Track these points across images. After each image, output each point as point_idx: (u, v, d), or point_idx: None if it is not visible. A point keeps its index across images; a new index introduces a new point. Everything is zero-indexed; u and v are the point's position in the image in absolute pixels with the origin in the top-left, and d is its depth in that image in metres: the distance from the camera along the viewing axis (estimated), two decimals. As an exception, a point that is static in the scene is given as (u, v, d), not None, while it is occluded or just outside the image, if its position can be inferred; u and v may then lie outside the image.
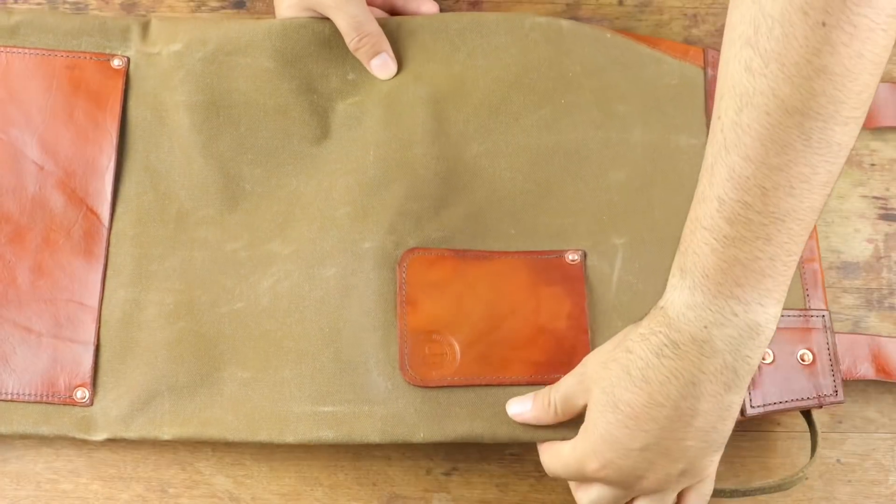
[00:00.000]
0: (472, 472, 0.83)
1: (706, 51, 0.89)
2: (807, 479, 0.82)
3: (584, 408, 0.73)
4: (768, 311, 0.67)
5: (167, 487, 0.82)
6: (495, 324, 0.81)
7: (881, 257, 0.88)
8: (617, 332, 0.77)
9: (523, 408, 0.78)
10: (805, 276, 0.84)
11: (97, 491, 0.81)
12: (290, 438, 0.78)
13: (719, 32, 0.93)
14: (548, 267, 0.83)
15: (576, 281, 0.82)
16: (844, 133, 0.63)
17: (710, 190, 0.65)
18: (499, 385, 0.80)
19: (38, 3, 0.91)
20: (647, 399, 0.69)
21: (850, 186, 0.90)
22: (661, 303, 0.70)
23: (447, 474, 0.83)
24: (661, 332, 0.69)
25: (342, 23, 0.86)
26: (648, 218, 0.84)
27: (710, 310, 0.66)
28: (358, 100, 0.87)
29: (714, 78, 0.88)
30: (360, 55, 0.87)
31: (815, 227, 0.84)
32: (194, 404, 0.79)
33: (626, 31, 0.90)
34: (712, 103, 0.86)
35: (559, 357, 0.80)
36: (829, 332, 0.82)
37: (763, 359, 0.79)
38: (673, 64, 0.88)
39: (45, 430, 0.79)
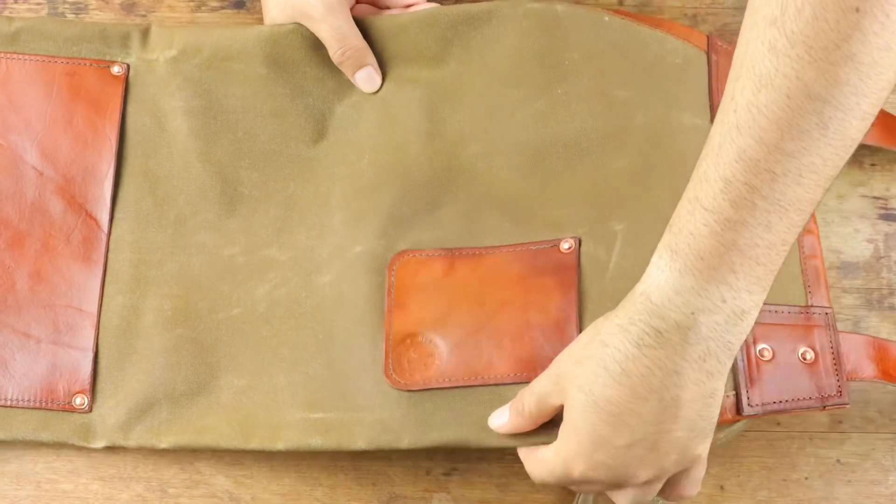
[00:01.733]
0: (472, 472, 0.83)
1: (710, 37, 0.86)
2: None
3: (560, 408, 0.71)
4: (754, 298, 0.66)
5: (167, 487, 0.82)
6: (482, 322, 0.79)
7: (881, 257, 0.88)
8: None
9: (501, 419, 0.75)
10: (807, 273, 0.81)
11: (97, 491, 0.82)
12: (280, 446, 0.78)
13: (720, 32, 0.93)
14: (540, 257, 0.80)
15: (568, 269, 0.79)
16: (859, 129, 0.62)
17: (714, 171, 0.64)
18: (483, 385, 0.77)
19: (39, 3, 0.92)
20: (629, 394, 0.67)
21: (850, 186, 0.89)
22: (641, 287, 0.67)
23: (447, 474, 0.83)
24: (641, 320, 0.66)
25: (326, 35, 0.85)
26: (649, 200, 0.81)
27: (700, 295, 0.65)
28: (355, 101, 0.87)
29: (718, 64, 0.85)
30: (344, 68, 0.86)
31: (817, 225, 0.83)
32: (191, 413, 0.80)
33: (625, 12, 0.88)
34: (716, 87, 0.84)
35: (546, 352, 0.77)
36: (832, 330, 0.79)
37: (762, 355, 0.77)
38: (676, 44, 0.85)
39: (44, 436, 0.80)
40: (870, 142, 0.87)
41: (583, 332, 0.71)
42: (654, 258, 0.67)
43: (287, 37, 0.86)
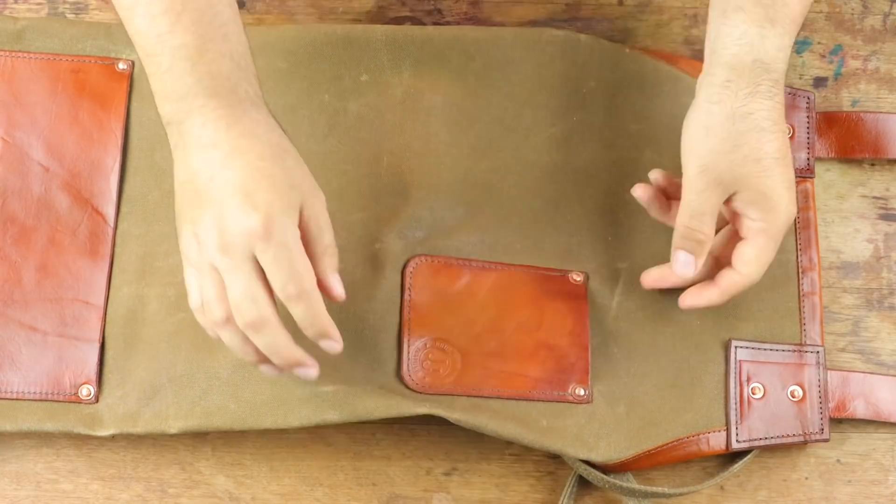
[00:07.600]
0: (472, 472, 0.83)
1: None
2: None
3: (730, 203, 0.78)
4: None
5: (167, 487, 0.82)
6: (497, 336, 0.81)
7: (881, 257, 0.88)
8: (613, 357, 0.81)
9: (689, 264, 0.78)
10: (804, 310, 0.84)
11: (97, 491, 0.82)
12: (295, 422, 0.77)
13: (719, 34, 0.93)
14: (552, 282, 0.83)
15: (579, 299, 0.83)
16: None
17: None
18: (497, 398, 0.80)
19: (39, 2, 0.92)
20: (782, 140, 0.77)
21: (850, 186, 0.90)
22: (750, 58, 0.76)
23: (447, 474, 0.83)
24: (765, 79, 0.76)
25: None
26: (653, 244, 0.85)
27: (789, 48, 0.77)
28: (371, 101, 0.87)
29: None
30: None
31: (820, 262, 0.86)
32: (194, 392, 0.79)
33: (645, 49, 0.90)
34: None
35: (557, 375, 0.81)
36: (821, 368, 0.83)
37: (753, 393, 0.82)
38: (691, 83, 0.87)
39: (49, 426, 0.79)
40: (866, 156, 0.89)
41: (704, 135, 0.76)
42: (750, 32, 0.76)
43: (311, 34, 0.87)
